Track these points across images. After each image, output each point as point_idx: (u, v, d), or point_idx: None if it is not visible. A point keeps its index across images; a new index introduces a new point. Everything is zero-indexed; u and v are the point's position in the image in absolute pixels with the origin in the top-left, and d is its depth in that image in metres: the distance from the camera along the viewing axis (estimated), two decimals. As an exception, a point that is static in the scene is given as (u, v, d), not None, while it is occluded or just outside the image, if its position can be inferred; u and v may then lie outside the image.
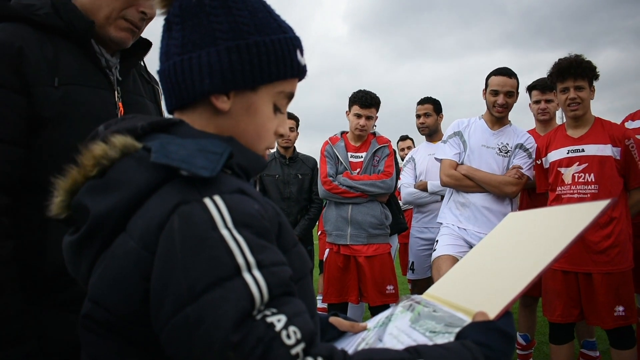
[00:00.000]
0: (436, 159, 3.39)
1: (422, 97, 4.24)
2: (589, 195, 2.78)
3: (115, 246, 0.74)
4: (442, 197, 3.55)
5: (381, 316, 1.03)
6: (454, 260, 3.01)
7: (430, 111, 4.15)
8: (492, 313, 0.82)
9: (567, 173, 2.87)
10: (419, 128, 4.21)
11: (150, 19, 1.44)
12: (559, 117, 4.14)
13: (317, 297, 4.91)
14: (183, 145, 0.75)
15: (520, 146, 3.14)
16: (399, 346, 0.83)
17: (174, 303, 0.65)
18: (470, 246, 3.09)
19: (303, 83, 0.94)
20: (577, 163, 2.85)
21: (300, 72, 0.90)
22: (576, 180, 2.83)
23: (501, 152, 3.15)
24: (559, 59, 2.92)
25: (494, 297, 0.85)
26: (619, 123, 3.05)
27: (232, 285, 0.64)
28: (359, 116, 3.57)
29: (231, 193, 0.72)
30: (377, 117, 3.70)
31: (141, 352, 0.73)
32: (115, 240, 0.74)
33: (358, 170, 3.57)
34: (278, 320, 0.64)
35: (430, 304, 0.96)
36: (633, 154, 2.81)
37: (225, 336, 0.61)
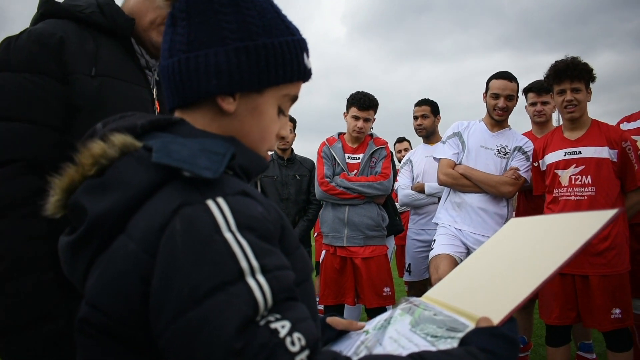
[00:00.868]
0: (434, 158, 3.39)
1: (420, 99, 4.24)
2: (585, 197, 2.79)
3: (114, 248, 0.72)
4: (439, 199, 3.55)
5: (380, 318, 1.02)
6: (452, 259, 3.01)
7: (428, 113, 4.14)
8: (496, 318, 0.81)
9: (564, 175, 2.87)
10: (416, 130, 4.21)
11: None
12: (555, 120, 4.16)
13: (314, 299, 4.89)
14: (185, 145, 0.73)
15: (519, 149, 3.17)
16: (400, 350, 0.82)
17: (175, 307, 0.63)
18: (466, 247, 3.10)
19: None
20: (574, 165, 2.85)
21: (306, 75, 0.89)
22: (573, 182, 2.83)
23: (500, 153, 3.16)
24: (556, 61, 2.93)
25: (498, 302, 0.85)
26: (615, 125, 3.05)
27: (235, 290, 0.63)
28: (356, 118, 3.57)
29: (234, 195, 0.70)
30: (374, 119, 3.69)
31: (139, 357, 0.71)
32: (113, 241, 0.73)
33: (355, 171, 3.56)
34: (282, 327, 0.63)
35: (430, 307, 0.95)
36: (630, 156, 2.81)
37: (228, 342, 0.60)
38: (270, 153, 1.09)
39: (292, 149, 4.38)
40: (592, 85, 2.91)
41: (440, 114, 4.22)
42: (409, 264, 3.98)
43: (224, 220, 0.67)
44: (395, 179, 3.82)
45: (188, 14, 0.82)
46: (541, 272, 0.83)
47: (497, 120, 3.21)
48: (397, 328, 0.93)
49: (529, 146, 3.17)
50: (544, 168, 3.01)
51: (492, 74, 3.28)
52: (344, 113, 3.69)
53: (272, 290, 0.65)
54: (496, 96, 3.17)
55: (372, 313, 3.47)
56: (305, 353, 0.62)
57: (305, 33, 0.89)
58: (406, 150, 5.52)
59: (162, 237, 0.67)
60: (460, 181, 3.15)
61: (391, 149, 3.81)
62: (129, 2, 1.48)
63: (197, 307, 0.62)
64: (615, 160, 2.80)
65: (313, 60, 0.90)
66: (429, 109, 4.15)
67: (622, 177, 2.83)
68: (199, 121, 0.84)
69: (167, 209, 0.69)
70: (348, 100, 3.64)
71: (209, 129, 0.83)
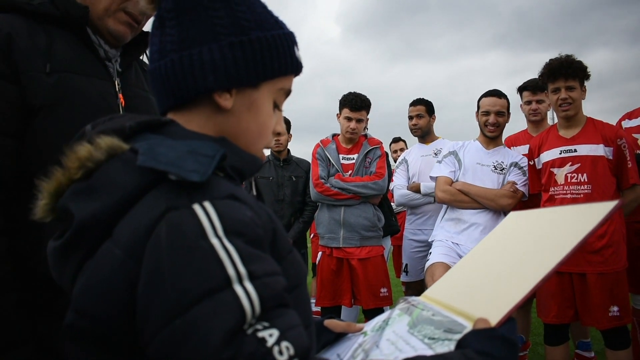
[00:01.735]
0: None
1: (415, 99, 4.23)
2: (582, 195, 2.78)
3: (100, 253, 0.70)
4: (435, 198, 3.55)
5: (378, 319, 1.00)
6: (448, 267, 3.00)
7: (423, 112, 4.13)
8: (494, 319, 0.79)
9: (560, 173, 2.87)
10: (411, 129, 4.20)
11: (151, 15, 1.44)
12: (550, 118, 4.16)
13: (311, 301, 4.88)
14: (172, 147, 0.71)
15: (515, 164, 3.20)
16: (397, 353, 0.81)
17: (161, 316, 0.61)
18: None
19: (295, 85, 0.94)
20: (570, 163, 2.85)
21: (298, 68, 0.89)
22: (569, 180, 2.83)
23: (496, 169, 3.20)
24: (550, 60, 2.93)
25: (496, 301, 0.82)
26: (611, 123, 3.05)
27: (222, 298, 0.61)
28: (349, 119, 3.56)
29: (222, 199, 0.68)
30: (368, 120, 3.69)
31: None
32: (100, 246, 0.71)
33: (350, 172, 3.56)
34: (270, 335, 0.61)
35: (429, 307, 0.93)
36: (625, 153, 2.81)
37: (215, 353, 0.58)
38: (266, 154, 1.08)
39: (288, 150, 4.37)
40: (586, 83, 2.92)
41: (435, 114, 4.22)
42: (406, 265, 3.97)
43: (211, 225, 0.64)
44: (390, 179, 3.81)
45: (177, 13, 0.81)
46: (541, 269, 0.80)
47: (490, 137, 3.26)
48: (395, 329, 0.92)
49: (525, 162, 3.20)
50: (540, 166, 3.01)
51: (481, 94, 3.36)
52: (337, 114, 3.69)
53: (260, 297, 0.63)
54: (487, 113, 3.24)
55: (369, 314, 3.46)
56: None
57: (299, 33, 0.92)
58: (402, 150, 5.53)
59: (147, 242, 0.65)
60: (459, 197, 3.17)
61: (387, 149, 3.80)
62: None
63: (183, 316, 0.60)
64: (610, 157, 2.80)
65: (308, 61, 0.93)
66: (424, 109, 4.15)
67: (618, 174, 2.83)
68: (195, 121, 0.82)
69: (152, 214, 0.67)
70: (340, 102, 3.64)
71: (205, 128, 0.81)
